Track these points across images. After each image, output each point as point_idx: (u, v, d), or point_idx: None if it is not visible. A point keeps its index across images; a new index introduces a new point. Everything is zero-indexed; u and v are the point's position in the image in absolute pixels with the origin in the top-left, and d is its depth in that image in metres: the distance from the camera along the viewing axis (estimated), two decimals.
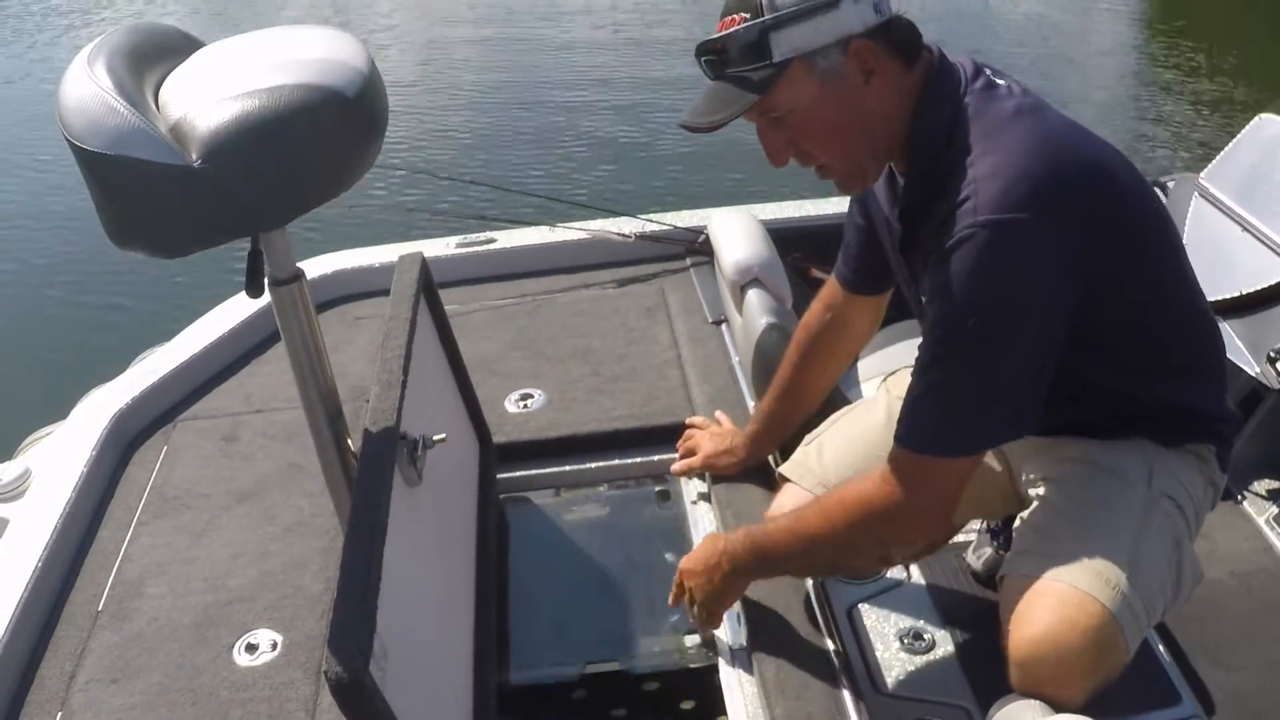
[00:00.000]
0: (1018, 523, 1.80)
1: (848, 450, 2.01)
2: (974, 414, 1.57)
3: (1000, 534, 2.10)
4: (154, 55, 1.38)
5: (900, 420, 1.62)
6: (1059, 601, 1.53)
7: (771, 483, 2.20)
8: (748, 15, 1.52)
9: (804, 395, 2.15)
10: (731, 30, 1.54)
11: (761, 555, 1.79)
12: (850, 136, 1.61)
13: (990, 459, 1.88)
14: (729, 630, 2.02)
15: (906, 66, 1.60)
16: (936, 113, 1.58)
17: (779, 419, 2.22)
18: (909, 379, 2.06)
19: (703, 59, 1.58)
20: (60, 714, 1.97)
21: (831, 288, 2.09)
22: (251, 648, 2.06)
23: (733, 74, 1.56)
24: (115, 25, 1.51)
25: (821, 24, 1.52)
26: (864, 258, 1.99)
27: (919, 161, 1.61)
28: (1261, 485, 2.41)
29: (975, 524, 2.19)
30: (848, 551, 1.80)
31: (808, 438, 2.12)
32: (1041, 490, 1.78)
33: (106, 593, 2.22)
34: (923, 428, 1.59)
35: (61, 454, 2.54)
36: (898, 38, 1.58)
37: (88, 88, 1.23)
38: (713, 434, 2.33)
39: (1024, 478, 1.86)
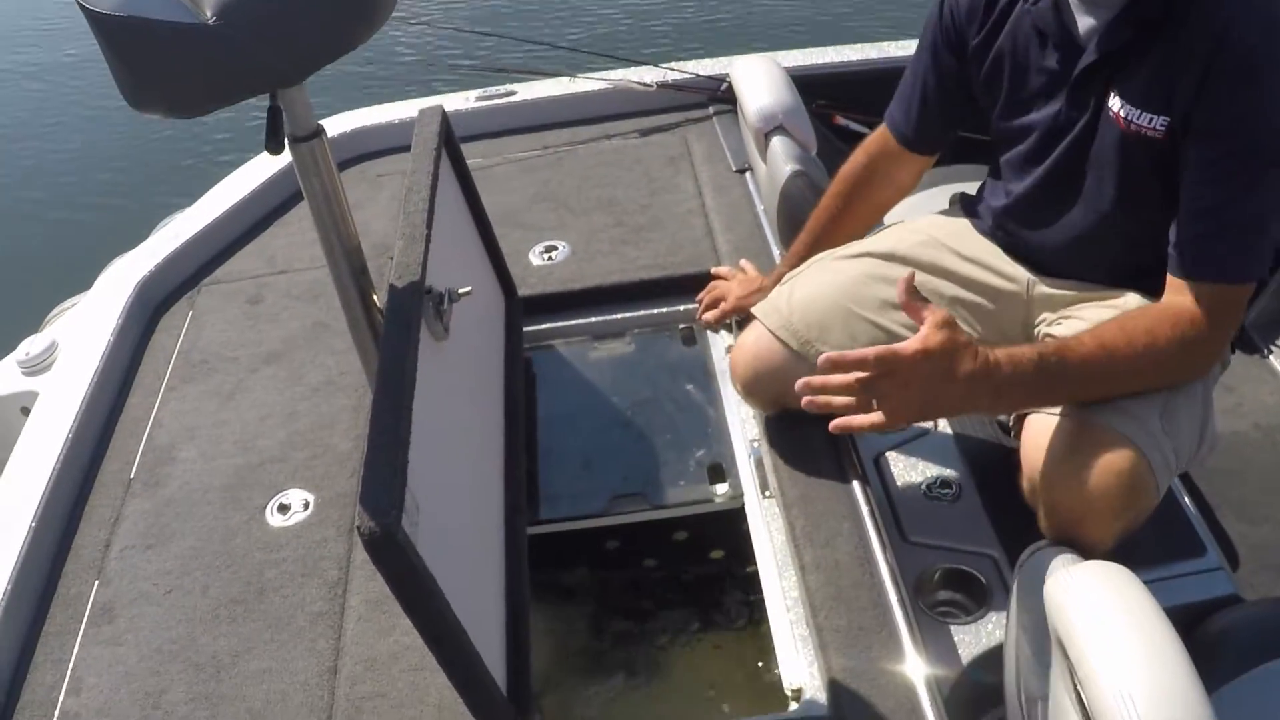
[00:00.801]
0: None
1: (815, 295, 1.96)
2: (1264, 236, 1.54)
3: None
4: None
5: (1207, 251, 1.53)
6: (1092, 442, 1.52)
7: None
8: None
9: (836, 243, 2.12)
10: None
11: (1049, 376, 1.51)
12: None
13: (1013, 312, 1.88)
14: (755, 479, 2.04)
15: None
16: None
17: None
18: (905, 234, 2.00)
19: None
20: (97, 582, 2.00)
21: (881, 140, 2.04)
22: (284, 508, 2.09)
23: None
24: None
25: None
26: (930, 116, 1.94)
27: None
28: None
29: None
30: (1137, 381, 1.59)
31: (787, 276, 2.08)
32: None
33: (138, 460, 2.25)
34: (1236, 255, 1.53)
35: (87, 324, 2.56)
36: None
37: None
38: (740, 280, 2.31)
39: (1039, 329, 1.84)
